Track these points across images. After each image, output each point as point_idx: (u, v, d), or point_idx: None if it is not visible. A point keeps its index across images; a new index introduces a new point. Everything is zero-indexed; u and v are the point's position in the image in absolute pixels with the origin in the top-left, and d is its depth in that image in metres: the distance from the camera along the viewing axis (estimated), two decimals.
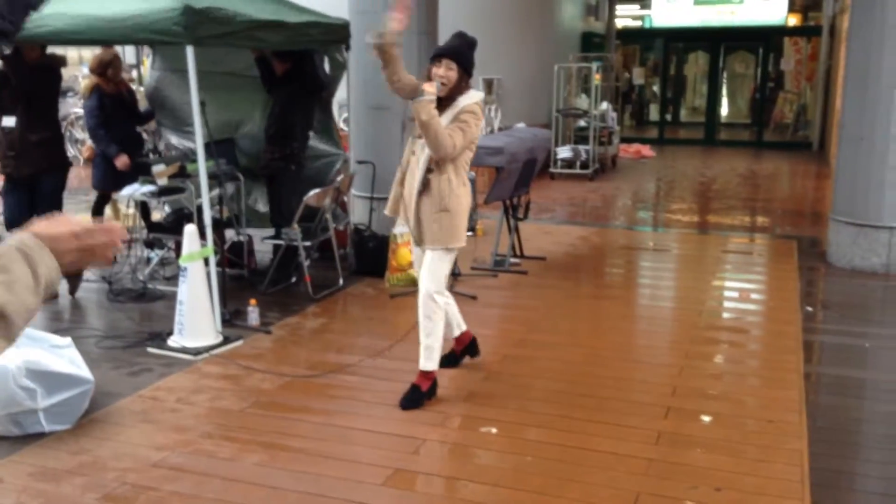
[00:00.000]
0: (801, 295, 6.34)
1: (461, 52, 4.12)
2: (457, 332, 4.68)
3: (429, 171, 4.13)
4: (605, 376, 4.68)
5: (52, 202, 5.93)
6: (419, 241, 4.28)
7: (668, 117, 20.67)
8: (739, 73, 21.53)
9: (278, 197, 6.40)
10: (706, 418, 4.12)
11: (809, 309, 6.00)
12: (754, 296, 6.48)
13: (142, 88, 12.18)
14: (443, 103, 4.08)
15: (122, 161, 6.48)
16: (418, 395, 4.24)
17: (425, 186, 4.14)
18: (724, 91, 20.85)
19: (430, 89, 3.98)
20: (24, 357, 3.81)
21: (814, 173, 13.87)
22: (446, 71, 4.07)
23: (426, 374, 4.27)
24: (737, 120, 21.50)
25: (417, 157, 4.20)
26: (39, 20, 5.16)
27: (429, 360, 4.24)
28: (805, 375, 4.68)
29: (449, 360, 4.70)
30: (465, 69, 4.13)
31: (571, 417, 4.12)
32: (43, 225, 1.35)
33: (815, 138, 17.23)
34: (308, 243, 6.19)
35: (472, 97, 4.14)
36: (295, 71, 6.32)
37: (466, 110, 4.08)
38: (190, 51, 4.91)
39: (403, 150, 4.35)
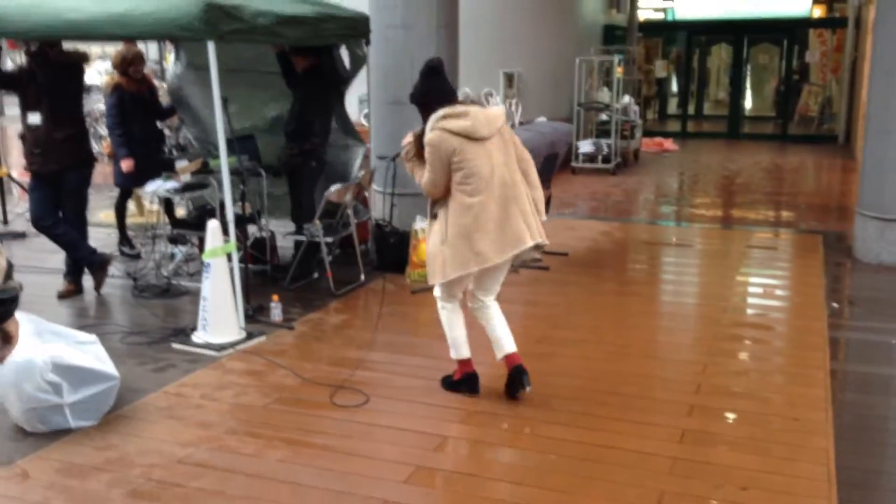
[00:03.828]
0: (827, 291, 6.27)
1: (412, 94, 4.19)
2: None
3: (433, 204, 4.21)
4: (628, 373, 4.65)
5: (76, 198, 5.98)
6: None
7: (691, 110, 20.50)
8: (763, 66, 21.31)
9: (299, 193, 6.41)
10: (731, 416, 4.09)
11: (835, 305, 5.93)
12: (779, 292, 6.41)
13: (164, 84, 12.26)
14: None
15: (126, 164, 6.70)
16: (448, 381, 4.43)
17: (434, 216, 4.21)
18: (748, 84, 20.65)
19: (407, 139, 4.22)
20: (50, 352, 3.84)
21: (839, 167, 13.70)
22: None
23: (458, 364, 4.38)
24: (761, 113, 21.29)
25: None
26: (59, 15, 5.20)
27: (451, 350, 4.36)
28: (831, 372, 4.63)
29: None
30: (419, 105, 4.17)
31: (594, 415, 4.10)
32: None
33: (840, 131, 17.02)
34: (330, 239, 6.20)
35: (428, 128, 4.08)
36: (315, 67, 6.32)
37: (427, 144, 4.05)
38: (211, 46, 4.92)
39: None
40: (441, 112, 4.04)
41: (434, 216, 4.19)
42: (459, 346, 4.35)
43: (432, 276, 4.22)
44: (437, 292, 4.33)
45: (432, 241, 4.19)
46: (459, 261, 4.06)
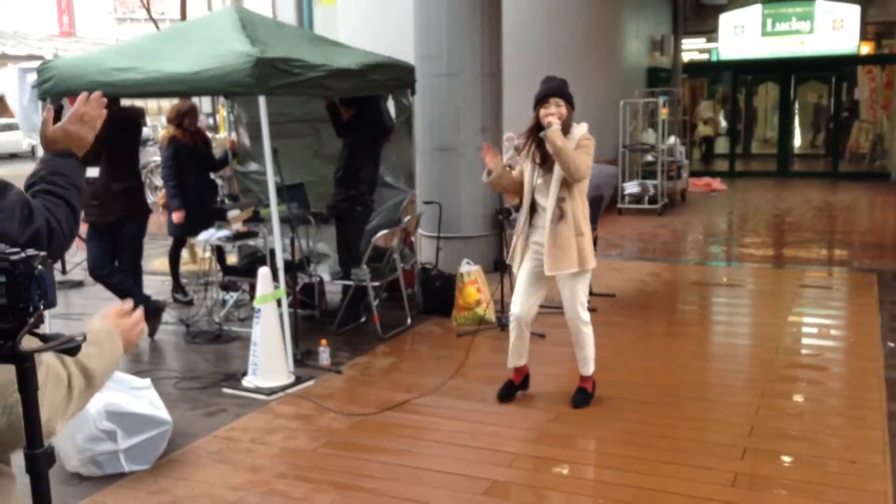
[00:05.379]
0: (883, 330, 6.12)
1: (564, 89, 4.54)
2: (523, 362, 4.86)
3: (561, 199, 4.44)
4: (678, 416, 4.59)
5: (132, 248, 6.16)
6: (553, 269, 4.49)
7: (739, 150, 20.33)
8: (812, 104, 21.10)
9: (346, 237, 6.51)
10: (785, 459, 4.00)
11: (892, 345, 5.78)
12: (833, 332, 6.29)
13: (218, 136, 12.58)
14: None
15: (177, 216, 6.88)
16: (586, 395, 4.76)
17: (562, 214, 4.44)
18: (797, 122, 20.44)
19: (555, 120, 4.37)
20: (104, 400, 3.93)
21: (893, 204, 13.44)
22: (557, 108, 4.45)
23: (589, 378, 4.77)
24: (810, 151, 21.01)
25: (545, 190, 4.52)
26: (117, 73, 5.42)
27: (588, 366, 4.74)
28: (889, 414, 4.51)
29: (508, 391, 4.87)
30: (570, 104, 4.53)
31: (645, 459, 4.04)
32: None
33: (893, 168, 16.72)
34: (377, 283, 6.27)
35: (584, 127, 4.54)
36: (361, 116, 6.46)
37: (584, 138, 4.50)
38: (262, 101, 5.08)
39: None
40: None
41: (563, 213, 4.46)
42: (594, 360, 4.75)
43: (587, 262, 4.51)
44: (585, 314, 4.63)
45: (566, 233, 4.44)
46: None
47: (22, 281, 1.35)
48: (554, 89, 4.49)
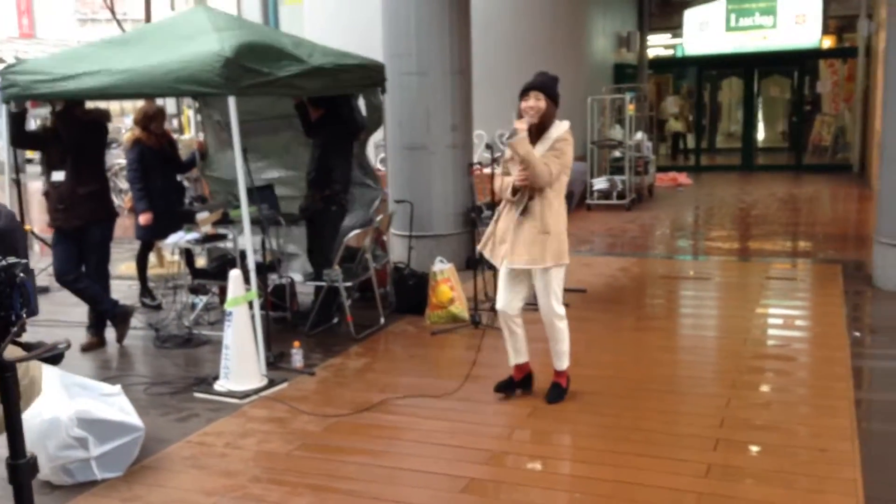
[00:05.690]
0: (848, 320, 6.23)
1: (546, 83, 4.48)
2: (521, 360, 4.85)
3: (530, 197, 4.43)
4: (650, 409, 4.63)
5: (99, 252, 6.06)
6: (513, 262, 4.51)
7: (704, 144, 20.56)
8: (775, 98, 21.37)
9: (319, 238, 6.48)
10: (756, 449, 4.06)
11: (857, 334, 5.89)
12: (800, 322, 6.39)
13: (183, 137, 12.46)
14: (535, 133, 4.44)
15: (144, 218, 6.81)
16: (561, 391, 4.76)
17: (527, 211, 4.44)
18: (761, 116, 20.71)
19: (522, 126, 4.34)
20: (75, 407, 3.88)
21: (855, 195, 13.68)
22: (535, 102, 4.43)
23: (563, 373, 4.78)
24: (774, 144, 21.30)
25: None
26: (84, 75, 5.34)
27: (562, 361, 4.74)
28: (856, 402, 4.59)
29: (506, 386, 4.86)
30: (553, 99, 4.47)
31: (619, 452, 4.08)
32: None
33: (855, 160, 17.00)
34: (349, 284, 6.25)
35: (563, 126, 4.52)
36: (331, 115, 6.43)
37: (560, 139, 4.45)
38: (232, 101, 5.03)
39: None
40: (569, 124, 4.54)
41: (529, 210, 4.44)
42: (569, 355, 4.75)
43: (561, 256, 4.49)
44: (560, 308, 4.60)
45: (530, 230, 4.43)
46: (566, 249, 4.53)
47: (3, 289, 1.32)
48: (534, 83, 4.48)
